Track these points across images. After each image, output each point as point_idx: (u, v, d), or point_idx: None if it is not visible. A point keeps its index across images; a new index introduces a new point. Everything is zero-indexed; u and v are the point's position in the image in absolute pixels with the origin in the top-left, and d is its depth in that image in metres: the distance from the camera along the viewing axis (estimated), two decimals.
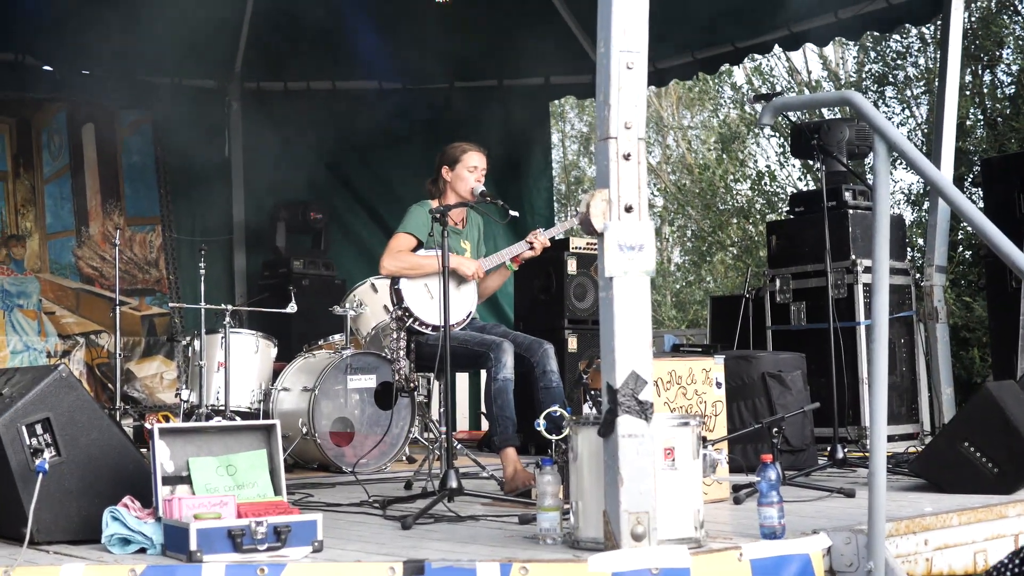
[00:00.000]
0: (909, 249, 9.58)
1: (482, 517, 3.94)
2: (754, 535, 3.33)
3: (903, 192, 13.78)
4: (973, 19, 11.54)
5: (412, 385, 5.40)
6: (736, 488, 4.32)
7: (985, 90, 12.04)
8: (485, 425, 7.31)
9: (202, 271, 6.69)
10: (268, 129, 8.91)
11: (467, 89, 9.46)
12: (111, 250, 7.33)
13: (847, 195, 6.80)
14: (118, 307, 7.13)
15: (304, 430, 5.93)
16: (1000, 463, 4.25)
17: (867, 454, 3.26)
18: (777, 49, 8.69)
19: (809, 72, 15.80)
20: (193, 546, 3.10)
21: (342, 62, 9.14)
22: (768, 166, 15.56)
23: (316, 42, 8.86)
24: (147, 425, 6.59)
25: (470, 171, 5.09)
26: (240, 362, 6.42)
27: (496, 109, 9.33)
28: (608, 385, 3.08)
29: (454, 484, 4.12)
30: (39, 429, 3.47)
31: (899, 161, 10.27)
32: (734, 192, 16.07)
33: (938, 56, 7.95)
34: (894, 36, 12.89)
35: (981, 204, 7.73)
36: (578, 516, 3.25)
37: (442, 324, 4.44)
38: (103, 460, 3.54)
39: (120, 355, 7.23)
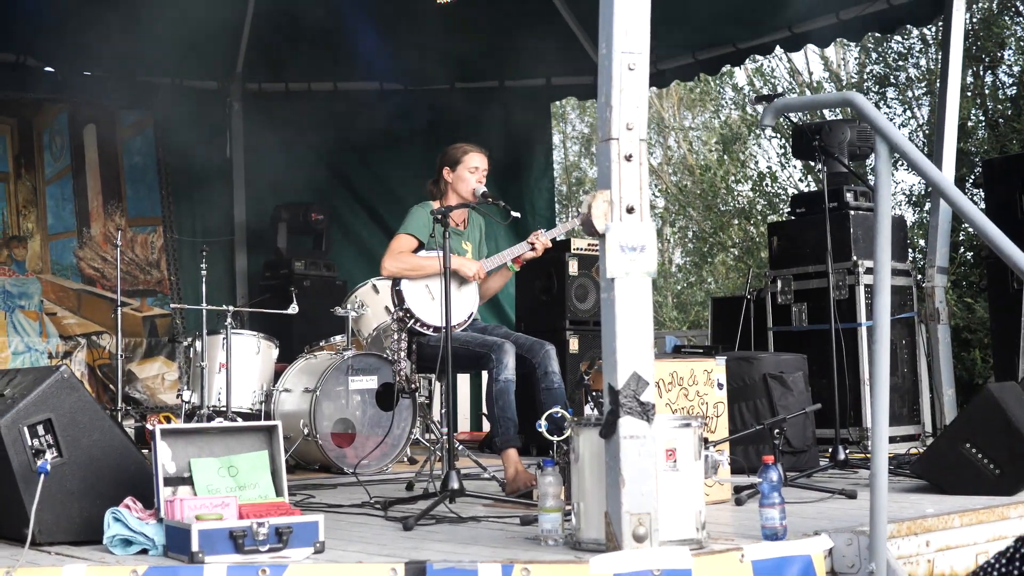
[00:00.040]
0: (910, 250, 9.59)
1: (484, 518, 3.94)
2: (756, 536, 3.33)
3: (904, 193, 13.78)
4: (974, 20, 11.54)
5: (413, 386, 5.41)
6: (738, 489, 4.32)
7: (986, 91, 12.04)
8: (486, 426, 7.30)
9: (203, 272, 6.69)
10: (269, 130, 8.90)
11: (468, 90, 9.46)
12: (112, 251, 7.34)
13: (848, 196, 6.80)
14: (119, 308, 7.13)
15: (305, 431, 5.93)
16: (1002, 464, 4.25)
17: (868, 455, 3.26)
18: (778, 50, 8.69)
19: (810, 73, 15.80)
20: (195, 547, 3.10)
21: (343, 63, 9.14)
22: (769, 167, 15.57)
23: (317, 43, 8.86)
24: (148, 426, 6.59)
25: (471, 172, 5.09)
26: (241, 363, 6.42)
27: (497, 110, 9.32)
28: (610, 386, 3.08)
29: (455, 485, 4.12)
30: (41, 430, 3.47)
31: (900, 162, 10.27)
32: (735, 193, 16.08)
33: (939, 57, 7.96)
34: (895, 37, 12.89)
35: (982, 205, 7.73)
36: (580, 517, 3.26)
37: (443, 325, 4.44)
38: (105, 461, 3.54)
39: (121, 356, 7.23)
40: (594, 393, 3.94)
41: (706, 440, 3.42)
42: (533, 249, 5.10)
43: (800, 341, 6.70)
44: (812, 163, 12.15)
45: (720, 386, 4.51)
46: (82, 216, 8.81)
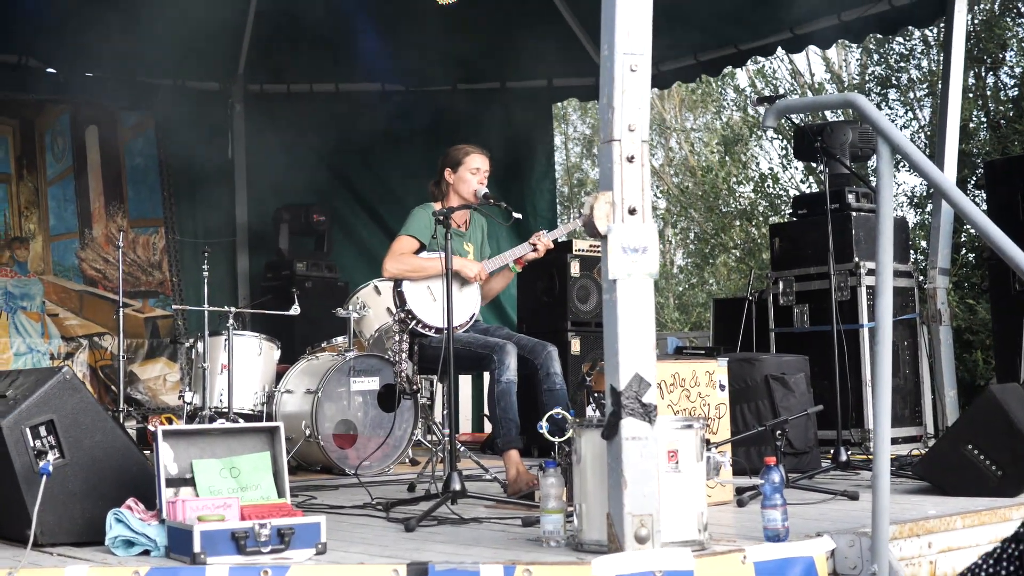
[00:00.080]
0: (912, 251, 9.58)
1: (485, 519, 3.94)
2: (758, 538, 3.33)
3: (906, 194, 13.77)
4: (976, 21, 11.53)
5: (415, 387, 5.40)
6: (739, 491, 4.32)
7: (988, 92, 12.03)
8: (488, 427, 7.30)
9: (205, 273, 6.69)
10: (271, 131, 8.91)
11: (470, 91, 9.46)
12: (114, 252, 7.35)
13: (850, 197, 6.80)
14: (121, 309, 7.13)
15: (307, 432, 5.93)
16: (1004, 466, 4.24)
17: (870, 457, 3.26)
18: (780, 51, 8.69)
19: (812, 74, 15.79)
20: (197, 548, 3.10)
21: (345, 64, 9.15)
22: (771, 168, 15.57)
23: (318, 44, 8.87)
24: (150, 427, 6.59)
25: (473, 173, 5.09)
26: (243, 364, 6.42)
27: (498, 111, 9.33)
28: (612, 387, 3.08)
29: (457, 486, 4.11)
30: (43, 431, 3.47)
31: (902, 163, 10.26)
32: (737, 194, 16.07)
33: (941, 58, 7.95)
34: (897, 38, 12.87)
35: (984, 206, 7.72)
36: (582, 518, 3.25)
37: (445, 326, 4.44)
38: (107, 462, 3.54)
39: (123, 357, 7.23)
40: (596, 394, 3.94)
41: (708, 441, 3.42)
42: (535, 250, 5.09)
43: (802, 342, 6.69)
44: (814, 164, 12.14)
45: (722, 387, 4.51)
46: (84, 217, 8.81)
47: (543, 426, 3.83)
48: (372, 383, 6.13)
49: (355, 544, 3.47)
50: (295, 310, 6.70)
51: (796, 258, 7.00)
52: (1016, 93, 11.80)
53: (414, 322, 4.96)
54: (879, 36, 10.62)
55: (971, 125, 11.60)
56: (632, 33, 3.14)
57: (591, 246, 7.19)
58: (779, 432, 4.51)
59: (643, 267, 3.10)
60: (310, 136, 9.04)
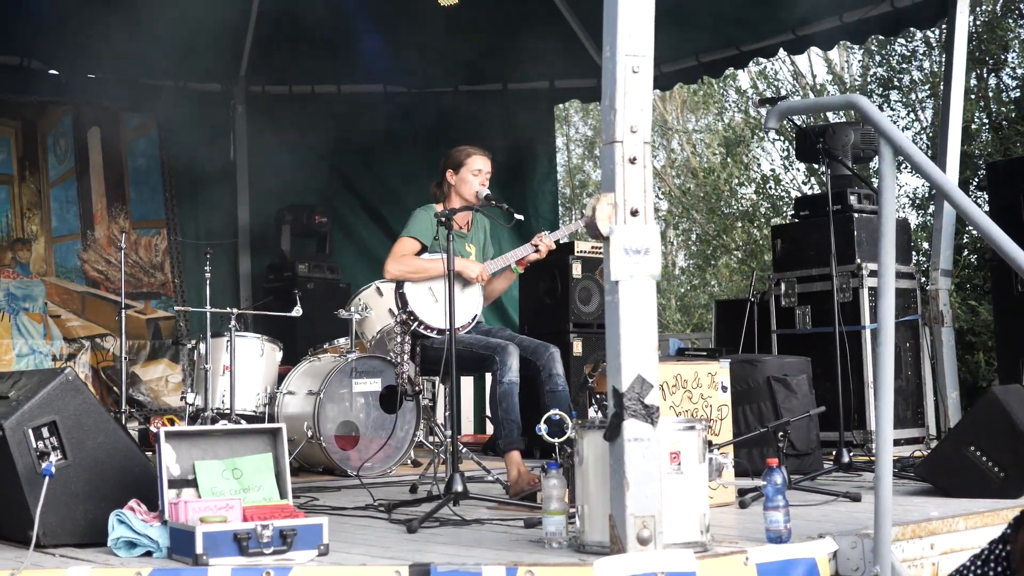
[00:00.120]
0: (914, 253, 9.57)
1: (487, 521, 3.94)
2: (760, 539, 3.33)
3: (908, 196, 13.76)
4: (978, 23, 11.53)
5: (417, 389, 5.40)
6: (742, 492, 4.32)
7: (990, 94, 12.02)
8: (490, 429, 7.30)
9: (207, 274, 6.69)
10: (273, 133, 8.91)
11: (471, 93, 9.47)
12: (116, 253, 7.35)
13: (852, 199, 6.80)
14: (124, 310, 7.14)
15: (309, 434, 5.93)
16: (1006, 467, 4.24)
17: (873, 458, 3.26)
18: (782, 53, 8.69)
19: (814, 76, 15.78)
20: (199, 549, 3.10)
21: (346, 66, 9.15)
22: (773, 170, 15.55)
23: (320, 46, 8.87)
24: (152, 428, 6.59)
25: (474, 175, 5.09)
26: (245, 366, 6.42)
27: (500, 113, 9.33)
28: (614, 389, 3.08)
29: (459, 488, 4.11)
30: (45, 432, 3.47)
31: (904, 165, 10.25)
32: (739, 196, 16.06)
33: (943, 60, 7.95)
34: (899, 40, 12.87)
35: (986, 208, 7.72)
36: (584, 520, 3.25)
37: (447, 328, 4.44)
38: (109, 463, 3.55)
39: (125, 358, 7.23)
40: (598, 396, 3.94)
41: (710, 443, 3.42)
42: (537, 251, 5.09)
43: (804, 344, 6.69)
44: (816, 166, 12.14)
45: (724, 389, 4.51)
46: (86, 219, 8.82)
47: (541, 428, 3.84)
48: (374, 384, 6.13)
49: (357, 545, 3.47)
50: (297, 311, 6.71)
51: (798, 259, 7.00)
52: (1018, 94, 11.79)
53: (416, 323, 4.96)
54: (881, 37, 10.62)
55: (973, 126, 11.59)
56: (634, 34, 3.14)
57: (593, 247, 7.19)
58: (781, 433, 4.51)
59: (645, 268, 3.10)
60: (312, 137, 9.05)
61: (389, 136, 9.27)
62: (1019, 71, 11.94)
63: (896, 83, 13.47)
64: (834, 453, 5.18)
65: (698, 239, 17.86)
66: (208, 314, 6.55)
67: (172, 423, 6.91)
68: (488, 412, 5.52)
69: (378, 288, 6.42)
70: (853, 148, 6.87)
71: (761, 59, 9.87)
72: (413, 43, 8.69)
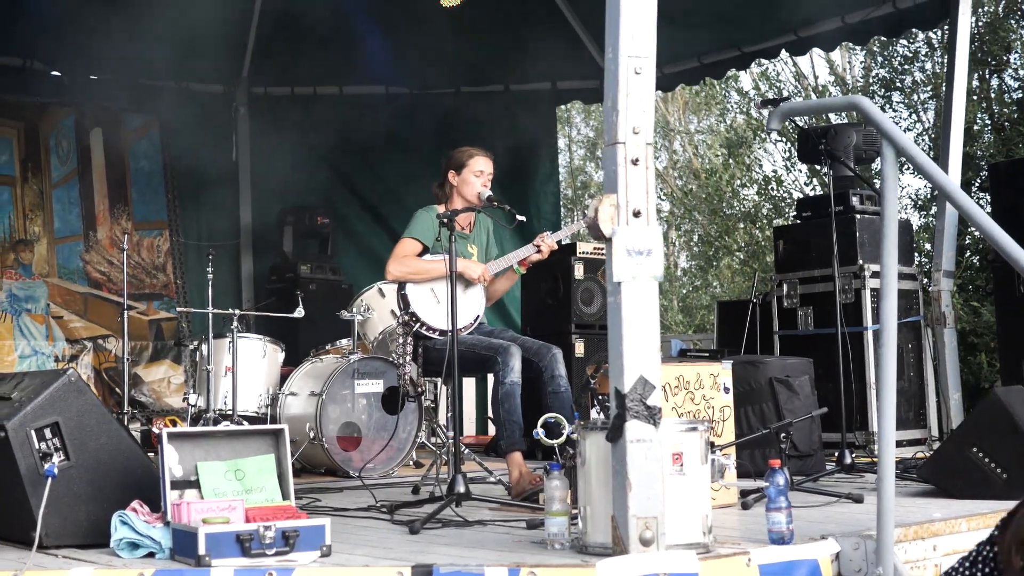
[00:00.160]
0: (917, 254, 9.58)
1: (490, 522, 3.94)
2: (762, 540, 3.33)
3: (910, 197, 13.75)
4: (980, 24, 11.53)
5: (419, 390, 5.40)
6: (744, 493, 4.31)
7: (992, 95, 12.02)
8: (492, 430, 7.30)
9: (209, 276, 6.70)
10: (275, 134, 8.92)
11: (474, 94, 9.47)
12: (119, 255, 7.35)
13: (854, 200, 6.80)
14: (126, 312, 7.14)
15: (311, 435, 5.93)
16: (1009, 468, 4.24)
17: (875, 459, 3.25)
18: (784, 54, 8.69)
19: (816, 77, 15.78)
20: (202, 550, 3.10)
21: (349, 67, 9.16)
22: (775, 171, 15.55)
23: (322, 47, 8.88)
24: (154, 429, 6.60)
25: (476, 175, 5.09)
26: (247, 367, 6.43)
27: (502, 114, 9.34)
28: (616, 390, 3.08)
29: (461, 489, 4.11)
30: (48, 433, 3.47)
31: (906, 166, 10.24)
32: (741, 197, 16.06)
33: (945, 61, 7.94)
34: (901, 41, 12.87)
35: (989, 209, 7.72)
36: (586, 521, 3.25)
37: (449, 328, 4.44)
38: (112, 464, 3.55)
39: (128, 359, 7.24)
40: (600, 397, 3.93)
41: (712, 444, 3.42)
42: (539, 251, 5.09)
43: (806, 345, 6.69)
44: (818, 167, 12.14)
45: (726, 390, 4.51)
46: (88, 220, 8.82)
47: (539, 432, 3.84)
48: (376, 385, 6.14)
49: (359, 546, 3.47)
50: (299, 312, 6.71)
51: (800, 260, 7.00)
52: (1020, 95, 11.79)
53: (418, 324, 4.96)
54: (883, 38, 10.62)
55: (975, 127, 11.59)
56: (636, 36, 3.14)
57: (595, 248, 7.19)
58: (783, 435, 4.50)
59: (647, 270, 3.10)
60: (314, 139, 9.06)
61: (391, 137, 9.28)
62: (1021, 72, 11.94)
63: (898, 84, 13.47)
64: (836, 454, 5.18)
65: (700, 240, 17.86)
66: (210, 315, 6.55)
67: (174, 424, 6.92)
68: (490, 413, 5.53)
69: (380, 289, 6.42)
70: (855, 149, 6.87)
71: (763, 60, 9.87)
72: (415, 44, 8.69)
